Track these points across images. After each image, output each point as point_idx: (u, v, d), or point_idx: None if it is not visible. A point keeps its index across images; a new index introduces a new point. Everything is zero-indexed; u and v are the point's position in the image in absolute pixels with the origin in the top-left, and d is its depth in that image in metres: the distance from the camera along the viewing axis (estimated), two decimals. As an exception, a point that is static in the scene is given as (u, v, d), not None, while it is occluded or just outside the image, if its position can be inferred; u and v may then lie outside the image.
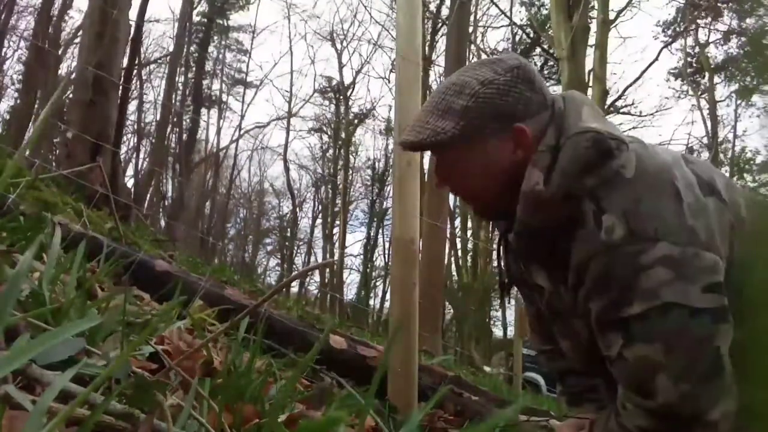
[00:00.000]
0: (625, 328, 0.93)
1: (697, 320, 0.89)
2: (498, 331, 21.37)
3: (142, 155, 22.20)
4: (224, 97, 25.15)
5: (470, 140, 1.04)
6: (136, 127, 21.01)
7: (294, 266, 25.58)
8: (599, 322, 0.97)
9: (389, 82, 22.59)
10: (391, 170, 20.60)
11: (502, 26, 19.86)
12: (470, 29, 15.44)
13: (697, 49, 18.59)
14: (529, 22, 18.17)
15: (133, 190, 14.06)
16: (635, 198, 0.95)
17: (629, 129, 16.70)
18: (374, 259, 24.62)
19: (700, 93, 18.86)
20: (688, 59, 18.97)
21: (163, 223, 18.73)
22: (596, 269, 0.95)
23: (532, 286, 1.17)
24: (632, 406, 0.96)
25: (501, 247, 1.26)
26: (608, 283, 0.94)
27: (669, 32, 18.30)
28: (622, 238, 0.92)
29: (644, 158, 1.00)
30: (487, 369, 7.88)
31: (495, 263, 1.40)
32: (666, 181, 0.96)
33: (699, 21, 16.62)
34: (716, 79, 18.06)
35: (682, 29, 17.87)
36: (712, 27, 16.86)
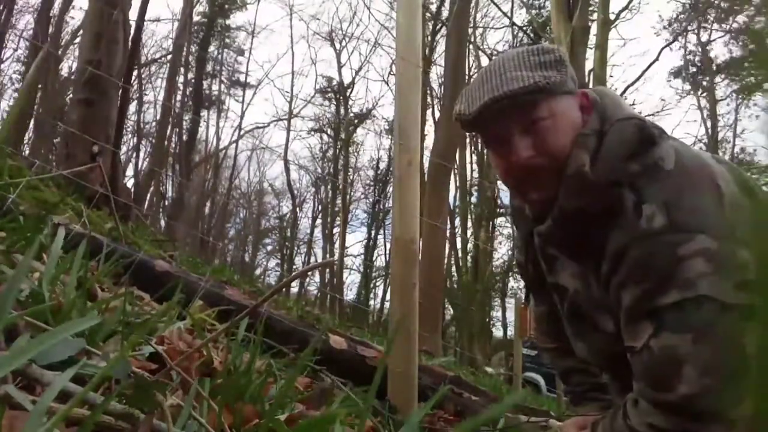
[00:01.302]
0: (657, 317, 0.93)
1: (727, 316, 0.89)
2: (498, 331, 21.40)
3: (142, 155, 22.24)
4: (224, 97, 25.21)
5: (565, 91, 1.05)
6: (136, 127, 21.04)
7: (294, 266, 25.60)
8: (630, 311, 0.97)
9: (388, 84, 22.67)
10: (392, 170, 20.62)
11: (502, 27, 19.91)
12: (470, 30, 15.46)
13: (692, 47, 18.60)
14: (529, 24, 18.18)
15: (133, 190, 14.06)
16: (676, 190, 0.96)
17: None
18: (374, 259, 24.65)
19: (700, 92, 18.88)
20: (690, 57, 18.99)
21: (163, 223, 18.75)
22: (634, 257, 0.95)
23: (552, 286, 1.17)
24: (646, 402, 0.96)
25: (526, 248, 1.26)
26: (645, 271, 0.94)
27: (670, 29, 18.32)
28: (663, 227, 0.93)
29: (683, 153, 1.01)
30: (488, 370, 7.88)
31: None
32: (707, 176, 0.98)
33: (701, 19, 16.62)
34: (717, 78, 18.06)
35: (682, 29, 17.87)
36: (713, 27, 16.86)
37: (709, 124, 18.20)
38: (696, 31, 18.04)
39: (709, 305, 0.89)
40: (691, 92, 19.23)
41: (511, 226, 21.72)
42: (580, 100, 1.08)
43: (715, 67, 17.89)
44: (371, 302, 23.90)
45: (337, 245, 24.42)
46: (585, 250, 1.05)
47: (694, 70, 19.05)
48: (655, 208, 0.94)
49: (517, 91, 1.01)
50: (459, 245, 20.94)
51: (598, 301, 1.06)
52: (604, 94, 1.11)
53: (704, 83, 18.82)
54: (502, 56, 1.11)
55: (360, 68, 26.02)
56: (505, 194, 21.19)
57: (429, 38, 17.47)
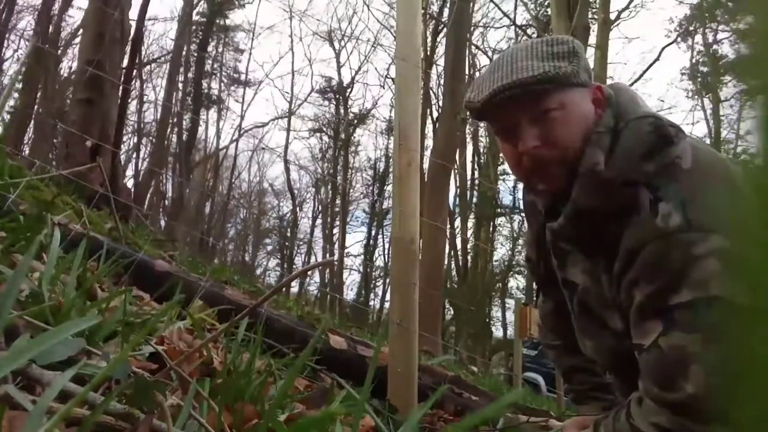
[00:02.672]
0: (668, 316, 0.92)
1: (739, 318, 0.88)
2: (498, 332, 21.40)
3: (142, 155, 22.25)
4: (223, 96, 25.22)
5: (577, 83, 1.03)
6: (136, 126, 21.05)
7: (294, 266, 25.59)
8: (641, 309, 0.96)
9: (384, 87, 22.70)
10: (391, 170, 20.60)
11: (502, 27, 19.91)
12: (470, 30, 15.46)
13: (700, 47, 18.56)
14: (530, 23, 18.17)
15: (133, 190, 14.06)
16: (694, 188, 0.95)
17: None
18: (374, 259, 24.65)
19: (705, 93, 18.85)
20: (697, 57, 18.94)
21: (163, 223, 18.75)
22: (649, 255, 0.94)
23: (562, 282, 1.17)
24: (651, 401, 0.95)
25: (537, 244, 1.25)
26: (659, 270, 0.93)
27: (674, 31, 18.29)
28: (679, 226, 0.92)
29: (701, 151, 1.00)
30: (473, 369, 7.89)
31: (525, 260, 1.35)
32: (724, 176, 0.97)
33: (707, 18, 16.57)
34: (725, 78, 17.97)
35: (684, 29, 17.84)
36: (719, 28, 16.82)
37: (711, 124, 18.21)
38: (702, 31, 18.01)
39: (721, 306, 0.88)
40: (695, 94, 19.23)
41: (510, 226, 21.74)
42: (593, 94, 1.07)
43: (721, 68, 17.80)
44: (371, 302, 23.91)
45: (337, 245, 24.44)
46: (597, 247, 1.05)
47: (702, 70, 19.02)
48: (671, 207, 0.94)
49: (525, 80, 1.00)
50: (459, 245, 20.95)
51: (607, 298, 1.05)
52: (620, 90, 1.10)
53: (705, 83, 18.80)
54: (514, 46, 1.10)
55: (359, 68, 26.06)
56: (505, 194, 21.22)
57: (430, 39, 17.47)
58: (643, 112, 1.03)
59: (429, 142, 17.00)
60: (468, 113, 1.13)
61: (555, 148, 1.03)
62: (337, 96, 25.49)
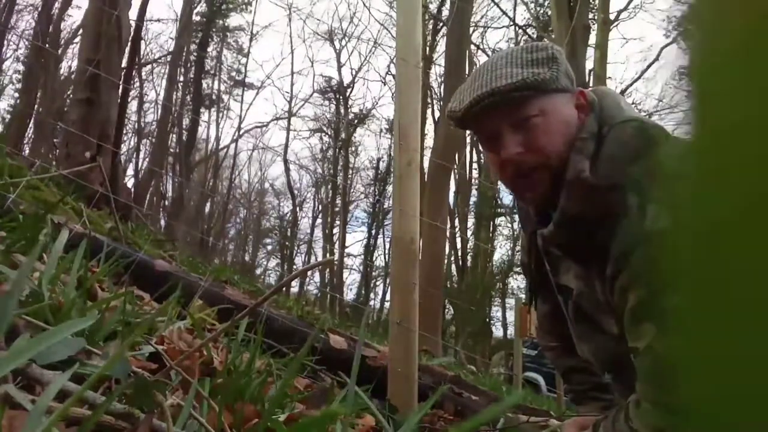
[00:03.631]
0: (661, 318, 0.92)
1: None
2: (498, 331, 21.41)
3: (142, 155, 22.26)
4: (224, 97, 25.25)
5: (557, 88, 1.03)
6: (136, 127, 21.06)
7: (294, 266, 25.61)
8: (635, 312, 0.96)
9: (384, 85, 22.71)
10: (391, 170, 20.61)
11: (502, 26, 19.92)
12: (471, 29, 15.46)
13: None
14: (530, 23, 18.18)
15: (133, 190, 14.06)
16: None
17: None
18: (374, 259, 24.67)
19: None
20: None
21: (163, 223, 18.75)
22: (639, 258, 0.94)
23: (557, 288, 1.17)
24: (649, 404, 0.95)
25: (530, 249, 1.25)
26: (650, 272, 0.93)
27: (677, 29, 18.30)
28: None
29: None
30: (472, 368, 7.90)
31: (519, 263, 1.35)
32: None
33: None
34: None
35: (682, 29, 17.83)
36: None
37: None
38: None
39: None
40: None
41: (510, 226, 21.74)
42: (576, 99, 1.07)
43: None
44: (371, 302, 23.91)
45: (337, 245, 24.45)
46: (589, 253, 1.05)
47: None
48: (661, 209, 0.93)
49: (504, 88, 1.00)
50: (459, 245, 20.95)
51: (602, 303, 1.05)
52: (604, 95, 1.10)
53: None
54: (495, 54, 1.10)
55: (360, 68, 26.09)
56: (505, 194, 21.22)
57: (429, 38, 17.47)
58: (627, 116, 1.03)
59: (429, 142, 17.01)
60: (451, 123, 1.13)
61: (538, 155, 1.03)
62: (338, 96, 25.51)
